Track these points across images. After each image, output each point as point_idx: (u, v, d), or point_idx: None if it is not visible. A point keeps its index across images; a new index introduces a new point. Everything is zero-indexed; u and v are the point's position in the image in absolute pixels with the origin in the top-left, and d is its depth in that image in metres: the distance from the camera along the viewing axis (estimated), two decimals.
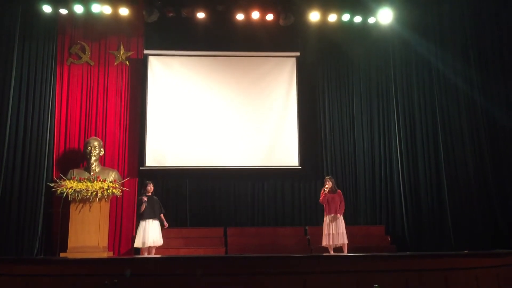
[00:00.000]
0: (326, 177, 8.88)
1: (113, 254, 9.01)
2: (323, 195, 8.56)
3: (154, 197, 8.75)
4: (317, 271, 5.28)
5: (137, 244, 8.46)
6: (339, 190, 8.68)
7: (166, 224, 8.80)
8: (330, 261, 5.65)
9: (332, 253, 8.24)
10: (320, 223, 9.65)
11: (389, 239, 9.48)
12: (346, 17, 9.99)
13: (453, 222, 9.40)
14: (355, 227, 9.40)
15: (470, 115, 9.84)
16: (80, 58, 9.87)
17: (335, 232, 8.25)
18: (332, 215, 8.38)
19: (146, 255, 8.34)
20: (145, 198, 8.59)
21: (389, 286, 5.16)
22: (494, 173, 9.49)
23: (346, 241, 8.28)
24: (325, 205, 8.52)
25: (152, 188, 8.75)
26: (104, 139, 9.51)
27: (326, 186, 8.56)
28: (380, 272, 5.27)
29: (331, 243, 8.27)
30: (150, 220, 8.48)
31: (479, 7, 10.13)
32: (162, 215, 8.76)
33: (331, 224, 8.34)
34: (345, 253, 8.19)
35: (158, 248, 8.55)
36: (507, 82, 9.81)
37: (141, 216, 8.56)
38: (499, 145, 9.66)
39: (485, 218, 9.37)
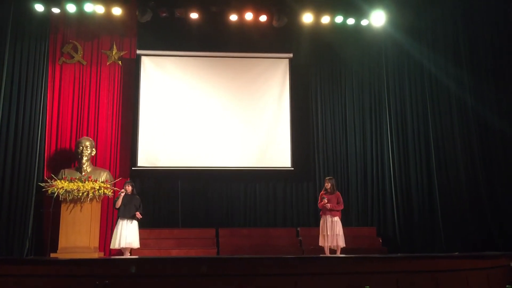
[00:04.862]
0: (326, 178, 8.73)
1: (104, 254, 8.97)
2: (320, 198, 8.38)
3: (137, 196, 8.40)
4: (308, 273, 5.27)
5: (112, 245, 8.15)
6: (337, 192, 8.47)
7: (139, 215, 8.19)
8: (321, 263, 5.63)
9: (327, 254, 8.17)
10: (311, 224, 9.68)
11: (380, 240, 9.50)
12: (339, 19, 10.02)
13: (444, 224, 9.45)
14: (347, 229, 9.27)
15: (461, 118, 9.91)
16: (73, 57, 9.83)
17: (330, 234, 8.14)
18: (327, 216, 8.22)
19: (127, 255, 8.05)
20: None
21: None
22: (484, 175, 9.57)
23: (341, 244, 8.12)
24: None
25: (130, 188, 8.33)
26: (96, 139, 9.47)
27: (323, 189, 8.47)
28: (371, 273, 5.26)
29: (326, 244, 8.21)
30: (125, 220, 8.13)
31: (471, 11, 10.20)
32: (137, 212, 8.20)
33: (325, 225, 8.22)
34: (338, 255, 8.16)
35: (150, 249, 8.46)
36: (499, 85, 9.89)
37: (118, 214, 8.23)
38: (490, 147, 9.74)
39: (475, 220, 9.43)
